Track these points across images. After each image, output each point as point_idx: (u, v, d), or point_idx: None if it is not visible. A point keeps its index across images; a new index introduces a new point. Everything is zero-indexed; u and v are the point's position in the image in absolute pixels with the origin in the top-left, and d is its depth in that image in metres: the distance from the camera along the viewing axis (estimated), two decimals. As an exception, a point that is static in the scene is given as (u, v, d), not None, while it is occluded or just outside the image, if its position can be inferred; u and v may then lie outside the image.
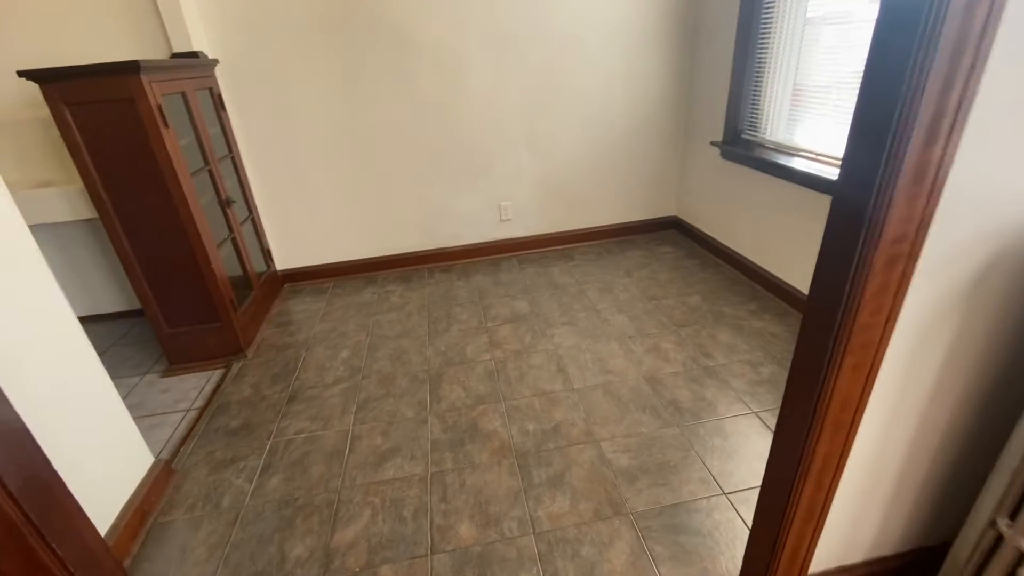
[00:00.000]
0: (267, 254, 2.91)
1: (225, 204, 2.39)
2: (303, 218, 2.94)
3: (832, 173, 2.04)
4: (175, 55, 2.34)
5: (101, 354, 2.50)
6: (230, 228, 2.44)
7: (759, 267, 2.60)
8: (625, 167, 3.18)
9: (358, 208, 2.98)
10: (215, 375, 2.27)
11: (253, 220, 2.77)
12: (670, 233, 3.39)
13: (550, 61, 2.81)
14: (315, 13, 2.50)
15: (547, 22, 2.72)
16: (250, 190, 2.76)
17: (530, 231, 3.25)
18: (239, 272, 2.54)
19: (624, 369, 2.05)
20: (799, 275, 2.35)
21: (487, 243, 3.22)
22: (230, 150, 2.58)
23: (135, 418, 2.04)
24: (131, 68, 1.77)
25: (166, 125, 1.93)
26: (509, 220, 3.19)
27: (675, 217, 3.41)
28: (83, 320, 2.89)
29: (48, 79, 1.76)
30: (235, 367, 2.30)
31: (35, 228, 2.55)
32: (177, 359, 2.32)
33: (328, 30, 2.54)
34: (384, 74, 2.68)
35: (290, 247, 3.01)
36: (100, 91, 1.81)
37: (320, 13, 2.50)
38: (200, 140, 2.24)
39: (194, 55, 2.33)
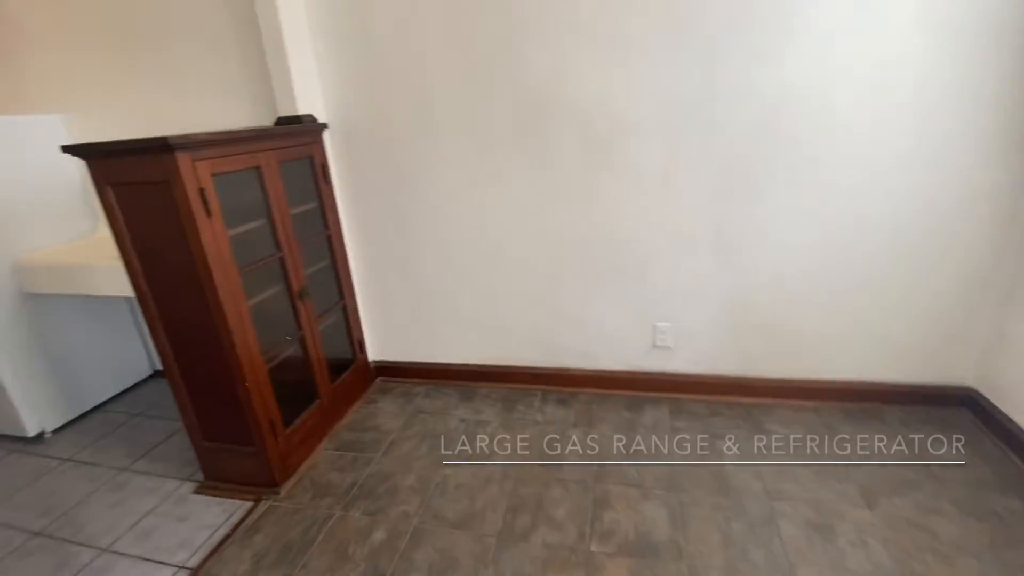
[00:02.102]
0: (358, 344, 2.44)
1: (297, 297, 1.96)
2: (407, 308, 2.41)
3: None
4: (280, 120, 2.01)
5: (169, 436, 2.31)
6: (299, 326, 1.99)
7: None
8: (884, 294, 1.92)
9: (472, 304, 2.32)
10: (239, 512, 1.80)
11: (344, 307, 2.32)
12: (958, 417, 1.96)
13: (761, 126, 1.79)
14: (449, 68, 1.95)
15: (761, 65, 1.72)
16: (348, 272, 2.33)
17: (698, 368, 2.19)
18: (310, 371, 2.08)
19: None
20: None
21: (629, 373, 2.26)
22: (327, 227, 2.17)
23: (128, 556, 1.68)
24: (161, 146, 1.39)
25: (208, 213, 1.52)
26: (667, 348, 2.18)
27: (970, 390, 1.96)
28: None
29: (90, 155, 1.48)
30: (260, 508, 1.80)
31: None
32: (213, 475, 1.93)
33: (460, 91, 1.97)
34: (519, 144, 2.00)
35: (388, 338, 2.51)
36: (139, 171, 1.47)
37: (454, 68, 1.95)
38: (273, 223, 1.83)
39: (296, 120, 1.98)
